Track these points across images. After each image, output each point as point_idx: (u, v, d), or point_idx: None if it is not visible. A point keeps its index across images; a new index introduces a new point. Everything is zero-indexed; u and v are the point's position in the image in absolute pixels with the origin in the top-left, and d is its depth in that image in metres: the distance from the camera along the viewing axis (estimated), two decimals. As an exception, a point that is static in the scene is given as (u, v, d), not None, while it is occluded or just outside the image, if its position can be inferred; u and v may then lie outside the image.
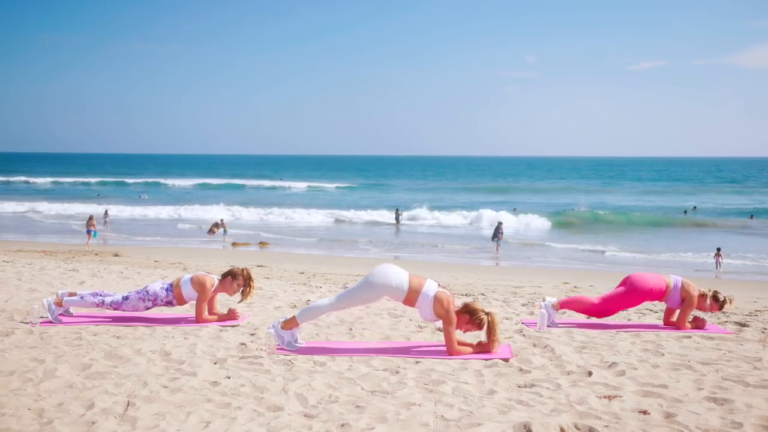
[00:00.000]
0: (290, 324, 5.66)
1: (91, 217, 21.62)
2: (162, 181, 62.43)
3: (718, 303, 6.74)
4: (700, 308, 6.77)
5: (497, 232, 21.38)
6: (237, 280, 6.63)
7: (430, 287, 5.54)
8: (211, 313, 6.77)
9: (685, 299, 6.69)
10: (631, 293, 6.69)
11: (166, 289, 6.70)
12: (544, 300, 6.92)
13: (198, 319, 6.61)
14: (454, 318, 5.52)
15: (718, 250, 18.19)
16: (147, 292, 6.69)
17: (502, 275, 14.13)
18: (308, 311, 5.69)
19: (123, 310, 6.71)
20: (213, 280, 6.70)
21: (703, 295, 6.74)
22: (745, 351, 5.72)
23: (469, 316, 5.57)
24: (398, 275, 5.53)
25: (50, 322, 6.49)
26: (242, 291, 6.65)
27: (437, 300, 5.48)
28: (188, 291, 6.66)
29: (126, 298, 6.68)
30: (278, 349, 5.56)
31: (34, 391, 4.45)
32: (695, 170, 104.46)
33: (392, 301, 8.06)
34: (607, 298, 6.77)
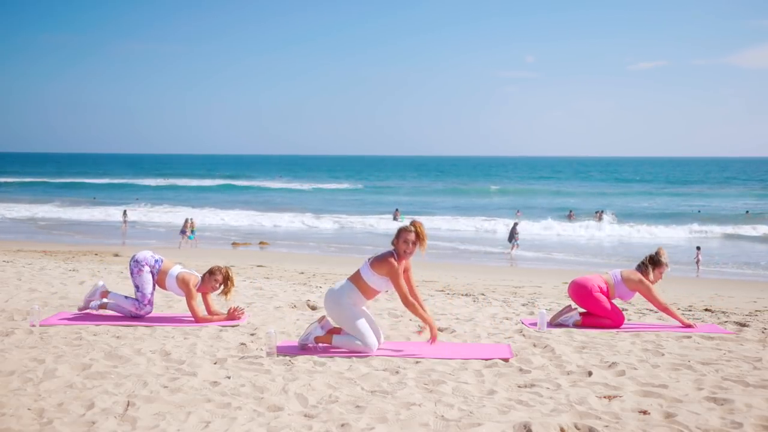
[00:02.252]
0: (324, 339, 5.69)
1: (186, 221, 22.17)
2: (177, 182, 60.40)
3: (658, 265, 6.83)
4: (655, 281, 6.83)
5: (513, 234, 21.10)
6: (215, 276, 6.72)
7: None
8: (210, 312, 6.79)
9: (635, 288, 6.78)
10: (585, 299, 6.72)
11: (157, 260, 6.89)
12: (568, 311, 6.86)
13: (196, 319, 6.63)
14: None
15: (698, 248, 18.22)
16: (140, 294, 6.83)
17: (502, 275, 14.13)
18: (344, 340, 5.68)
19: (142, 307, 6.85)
20: (197, 278, 6.80)
21: (645, 272, 6.80)
22: (745, 351, 5.72)
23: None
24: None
25: (51, 322, 6.49)
26: (223, 288, 6.74)
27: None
28: (171, 284, 6.81)
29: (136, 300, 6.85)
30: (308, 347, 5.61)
31: (34, 391, 4.45)
32: (705, 170, 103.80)
33: (392, 301, 8.07)
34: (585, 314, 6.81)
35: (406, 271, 5.67)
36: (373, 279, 5.56)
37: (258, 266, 13.79)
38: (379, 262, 5.55)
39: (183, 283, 6.74)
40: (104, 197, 46.32)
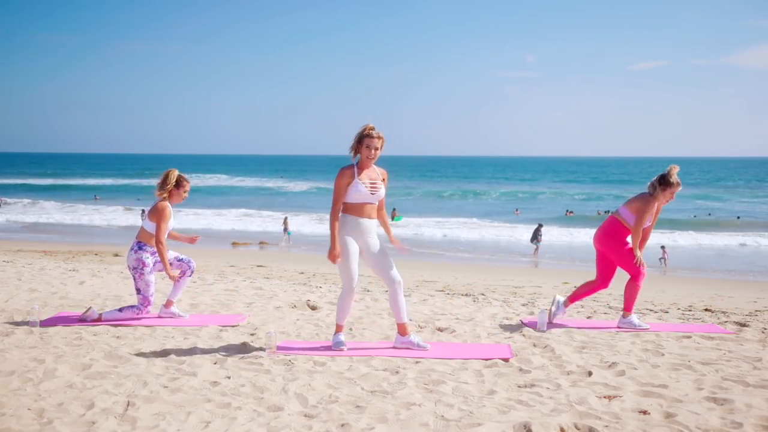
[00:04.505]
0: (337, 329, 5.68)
1: (286, 218, 23.88)
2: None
3: (668, 185, 6.49)
4: (666, 202, 6.56)
5: (536, 235, 20.81)
6: (184, 187, 6.68)
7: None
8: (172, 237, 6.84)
9: (635, 209, 6.53)
10: (611, 245, 6.61)
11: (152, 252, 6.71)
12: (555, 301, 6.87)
13: (157, 242, 6.51)
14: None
15: (663, 247, 18.25)
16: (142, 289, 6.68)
17: (502, 275, 14.13)
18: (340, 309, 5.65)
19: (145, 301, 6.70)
20: (167, 205, 6.63)
21: (653, 195, 6.51)
22: (745, 351, 5.72)
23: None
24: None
25: (51, 322, 6.49)
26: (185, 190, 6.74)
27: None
28: (148, 225, 6.65)
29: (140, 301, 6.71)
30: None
31: (34, 391, 4.45)
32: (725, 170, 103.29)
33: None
34: (599, 270, 6.75)
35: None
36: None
37: (258, 266, 13.79)
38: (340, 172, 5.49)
39: (155, 212, 6.56)
40: (106, 197, 46.34)
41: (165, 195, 6.66)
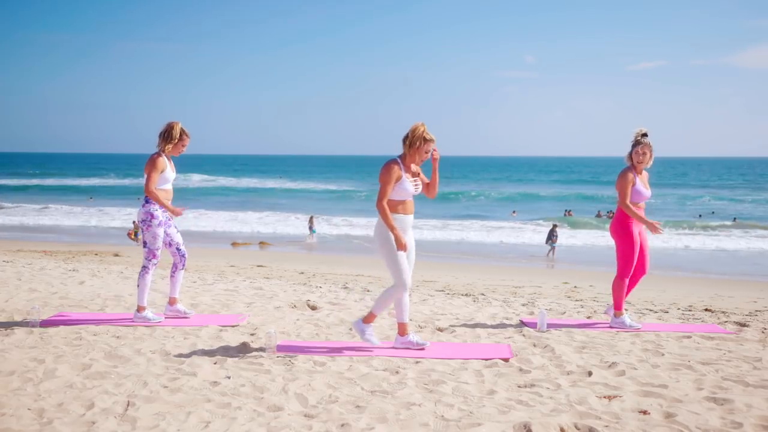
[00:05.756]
0: (369, 318, 5.74)
1: (311, 218, 24.99)
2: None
3: (635, 145, 6.51)
4: (637, 164, 6.52)
5: (551, 235, 20.53)
6: (183, 141, 6.63)
7: None
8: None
9: (618, 182, 6.57)
10: (617, 234, 6.62)
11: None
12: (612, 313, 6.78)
13: (147, 191, 6.49)
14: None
15: None
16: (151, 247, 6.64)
17: (502, 275, 14.13)
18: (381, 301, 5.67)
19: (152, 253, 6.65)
20: (158, 156, 6.57)
21: (629, 158, 6.55)
22: (745, 351, 5.72)
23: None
24: None
25: (51, 322, 6.49)
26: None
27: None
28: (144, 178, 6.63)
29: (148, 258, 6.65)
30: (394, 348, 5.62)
31: (34, 391, 4.45)
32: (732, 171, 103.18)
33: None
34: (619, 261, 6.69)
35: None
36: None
37: (258, 266, 13.79)
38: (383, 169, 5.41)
39: (147, 163, 6.52)
40: (106, 197, 46.35)
41: (164, 148, 6.60)
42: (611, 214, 30.60)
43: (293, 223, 29.54)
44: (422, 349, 5.59)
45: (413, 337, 5.68)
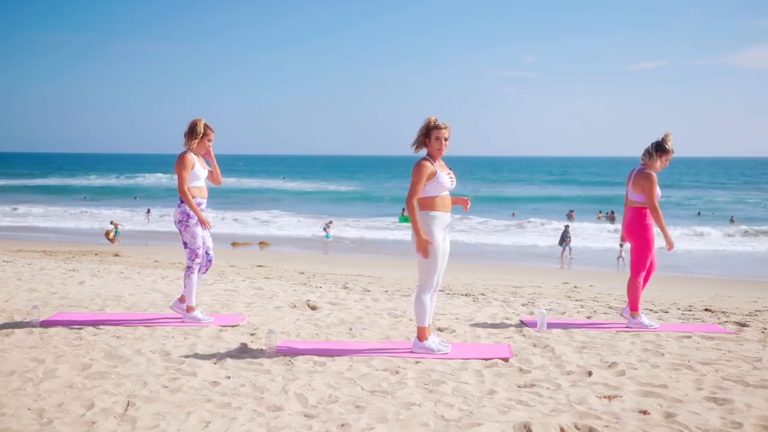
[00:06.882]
0: (423, 332, 5.52)
1: (330, 222, 25.36)
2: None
3: (663, 152, 6.54)
4: (660, 169, 6.58)
5: (565, 236, 20.28)
6: (208, 136, 6.65)
7: None
8: (216, 172, 6.90)
9: (641, 189, 6.56)
10: (634, 233, 6.60)
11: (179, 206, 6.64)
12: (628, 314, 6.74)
13: (181, 192, 6.52)
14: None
15: (621, 245, 18.28)
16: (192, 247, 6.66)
17: (502, 275, 14.13)
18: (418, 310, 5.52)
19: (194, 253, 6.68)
20: (186, 154, 6.59)
21: (650, 162, 6.57)
22: (745, 351, 5.72)
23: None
24: None
25: (50, 322, 6.50)
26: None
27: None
28: (176, 179, 6.65)
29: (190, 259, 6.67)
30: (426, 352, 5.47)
31: (34, 391, 4.46)
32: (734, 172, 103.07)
33: (392, 301, 8.07)
34: (633, 261, 6.68)
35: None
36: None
37: (258, 266, 13.79)
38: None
39: (176, 163, 6.55)
40: (106, 197, 46.33)
41: (191, 145, 6.59)
42: (611, 215, 30.73)
43: (293, 224, 29.59)
44: (445, 355, 5.42)
45: (432, 343, 5.50)
